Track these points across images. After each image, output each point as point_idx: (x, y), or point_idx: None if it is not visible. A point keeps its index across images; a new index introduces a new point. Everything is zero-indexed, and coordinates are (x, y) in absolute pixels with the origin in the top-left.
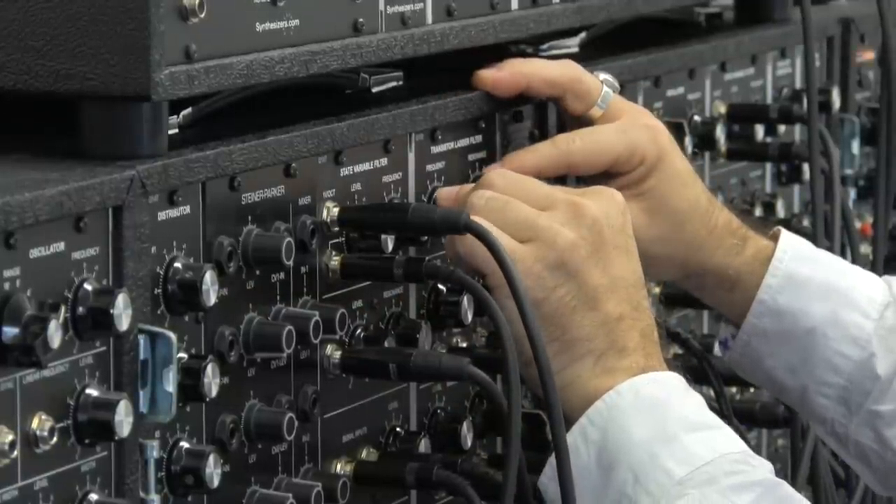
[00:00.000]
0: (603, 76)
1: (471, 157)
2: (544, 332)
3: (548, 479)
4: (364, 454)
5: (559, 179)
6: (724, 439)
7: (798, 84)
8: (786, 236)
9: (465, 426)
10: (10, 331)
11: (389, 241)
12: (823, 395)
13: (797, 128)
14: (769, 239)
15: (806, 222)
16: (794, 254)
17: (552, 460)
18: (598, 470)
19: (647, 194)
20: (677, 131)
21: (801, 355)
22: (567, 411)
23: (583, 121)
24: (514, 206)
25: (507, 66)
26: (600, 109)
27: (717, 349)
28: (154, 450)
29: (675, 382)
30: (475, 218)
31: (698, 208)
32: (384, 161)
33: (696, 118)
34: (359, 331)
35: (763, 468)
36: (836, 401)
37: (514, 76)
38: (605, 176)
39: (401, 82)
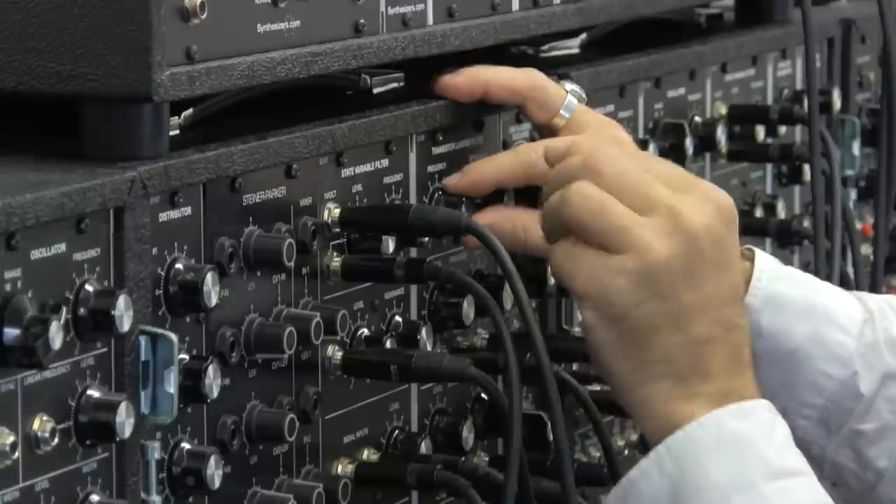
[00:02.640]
0: (570, 86)
1: (472, 158)
2: (621, 348)
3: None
4: (365, 455)
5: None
6: (802, 490)
7: (799, 85)
8: (761, 255)
9: (466, 427)
10: (12, 332)
11: (390, 243)
12: (803, 417)
13: (798, 129)
14: (741, 258)
15: (807, 223)
16: (771, 273)
17: (616, 489)
18: (669, 502)
19: None
20: (678, 132)
21: (783, 377)
22: (640, 427)
23: (549, 130)
24: (610, 210)
25: (465, 72)
26: (563, 119)
27: None
28: (155, 451)
29: (762, 415)
30: (476, 219)
31: None
32: (385, 162)
33: (697, 119)
34: (360, 332)
35: None
36: (815, 422)
37: (471, 81)
38: None
39: (402, 83)
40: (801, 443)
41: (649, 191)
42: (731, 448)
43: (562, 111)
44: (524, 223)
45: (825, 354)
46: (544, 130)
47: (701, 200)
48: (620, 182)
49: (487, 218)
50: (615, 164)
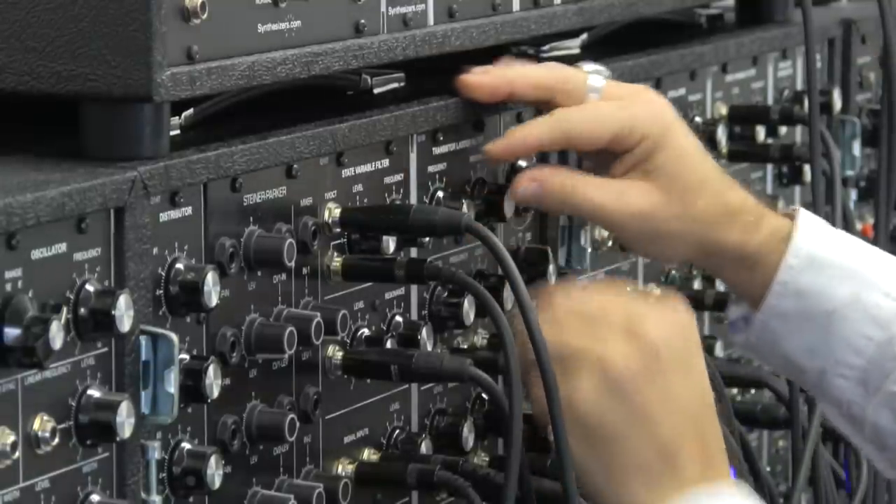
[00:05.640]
0: (589, 67)
1: (472, 158)
2: (597, 460)
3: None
4: (365, 455)
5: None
6: None
7: (799, 85)
8: (804, 215)
9: (466, 427)
10: (12, 332)
11: (391, 243)
12: (842, 377)
13: (798, 129)
14: (785, 217)
15: None
16: (814, 233)
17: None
18: None
19: (657, 172)
20: None
21: (821, 336)
22: None
23: None
24: (563, 341)
25: (490, 71)
26: (593, 100)
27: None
28: (155, 451)
29: (734, 500)
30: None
31: (710, 184)
32: (386, 162)
33: (698, 119)
34: (360, 332)
35: None
36: (854, 382)
37: (496, 80)
38: (610, 154)
39: (402, 83)
40: (840, 403)
41: (602, 319)
42: None
43: (589, 94)
44: (572, 181)
45: (864, 317)
46: None
47: (659, 313)
48: (569, 318)
49: (535, 174)
50: (563, 307)
